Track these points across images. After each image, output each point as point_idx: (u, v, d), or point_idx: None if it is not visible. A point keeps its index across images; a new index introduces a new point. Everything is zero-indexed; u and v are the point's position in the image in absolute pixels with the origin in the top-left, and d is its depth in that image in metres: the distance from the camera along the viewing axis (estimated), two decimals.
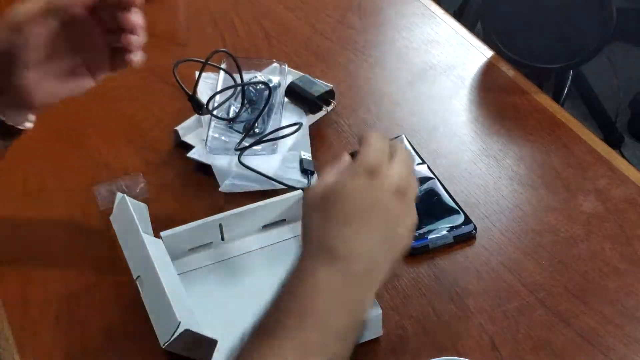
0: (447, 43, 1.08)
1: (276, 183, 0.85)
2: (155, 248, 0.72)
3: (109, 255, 0.79)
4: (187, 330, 0.64)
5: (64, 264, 0.79)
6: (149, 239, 0.72)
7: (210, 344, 0.66)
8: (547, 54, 1.01)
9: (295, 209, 0.81)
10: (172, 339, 0.64)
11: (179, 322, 0.64)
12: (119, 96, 1.01)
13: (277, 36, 1.11)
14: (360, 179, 0.60)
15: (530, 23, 1.00)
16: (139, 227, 0.71)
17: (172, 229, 0.77)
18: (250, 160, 0.87)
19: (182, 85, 0.90)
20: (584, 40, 0.99)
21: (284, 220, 0.81)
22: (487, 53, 1.05)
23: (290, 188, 0.84)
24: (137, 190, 0.86)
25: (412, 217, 0.62)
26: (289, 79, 0.96)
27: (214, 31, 1.13)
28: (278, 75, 0.97)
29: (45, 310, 0.75)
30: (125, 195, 0.74)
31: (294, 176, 0.86)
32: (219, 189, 0.86)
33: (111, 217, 0.74)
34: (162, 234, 0.76)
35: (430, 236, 0.79)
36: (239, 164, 0.86)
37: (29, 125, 0.72)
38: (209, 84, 0.96)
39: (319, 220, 0.60)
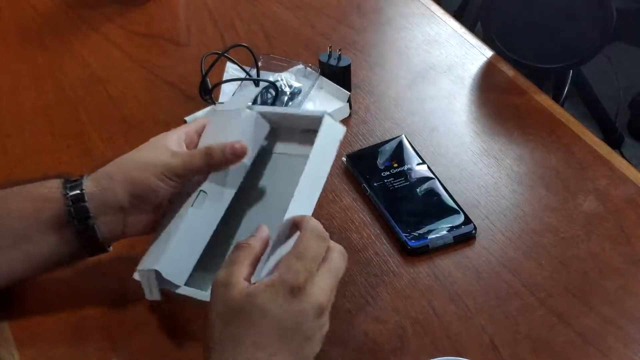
0: (447, 43, 1.08)
1: None
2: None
3: (110, 254, 0.79)
4: (157, 272, 0.68)
5: None
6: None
7: (172, 287, 0.70)
8: (547, 54, 1.01)
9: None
10: (144, 269, 0.69)
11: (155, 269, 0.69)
12: (119, 96, 1.01)
13: (277, 36, 1.11)
14: (280, 298, 0.59)
15: (530, 23, 1.00)
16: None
17: None
18: None
19: (203, 69, 0.91)
20: (584, 40, 0.99)
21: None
22: (487, 53, 1.05)
23: None
24: None
25: (326, 328, 0.62)
26: (314, 83, 0.95)
27: (214, 31, 1.13)
28: (303, 79, 0.96)
29: (45, 310, 0.75)
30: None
31: None
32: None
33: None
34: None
35: (430, 236, 0.79)
36: None
37: (110, 249, 0.75)
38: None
39: (231, 338, 0.59)
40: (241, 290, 0.60)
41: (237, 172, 0.73)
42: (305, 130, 0.73)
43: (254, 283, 0.61)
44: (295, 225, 0.65)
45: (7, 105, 1.01)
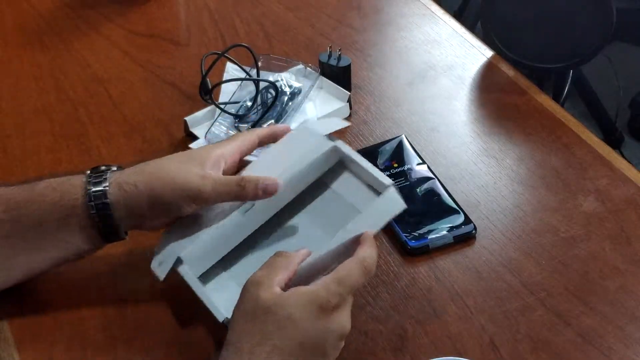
0: (447, 43, 1.08)
1: None
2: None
3: (109, 254, 0.79)
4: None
5: (64, 264, 0.79)
6: None
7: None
8: (547, 54, 1.01)
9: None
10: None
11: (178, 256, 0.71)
12: (119, 96, 1.01)
13: (277, 36, 1.11)
14: (308, 310, 0.60)
15: (530, 23, 1.00)
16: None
17: None
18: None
19: (203, 69, 0.91)
20: (584, 40, 0.99)
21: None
22: (487, 53, 1.05)
23: None
24: None
25: (339, 350, 0.63)
26: (314, 83, 0.95)
27: (214, 31, 1.13)
28: (303, 79, 0.96)
29: (45, 310, 0.75)
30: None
31: None
32: None
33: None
34: None
35: (430, 236, 0.79)
36: None
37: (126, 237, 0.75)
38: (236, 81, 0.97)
39: (252, 337, 0.59)
40: (272, 292, 0.61)
41: (289, 193, 0.74)
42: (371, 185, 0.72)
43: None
44: (357, 240, 0.66)
45: (7, 105, 1.01)
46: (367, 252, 0.64)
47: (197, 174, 0.69)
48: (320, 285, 0.61)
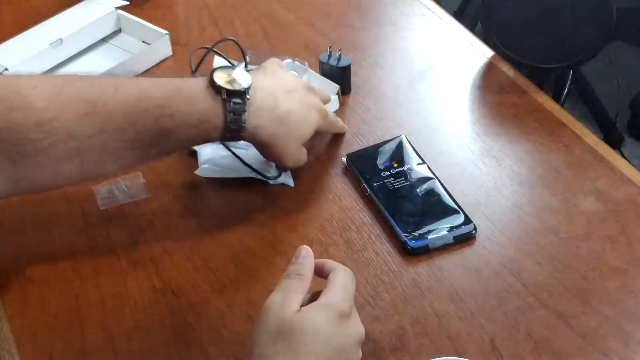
0: (447, 43, 1.08)
1: (251, 170, 0.84)
2: None
3: (109, 255, 0.79)
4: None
5: (64, 264, 0.79)
6: None
7: None
8: (547, 54, 1.01)
9: None
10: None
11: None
12: None
13: (277, 36, 1.11)
14: (330, 320, 0.61)
15: (530, 23, 1.00)
16: None
17: None
18: (235, 151, 0.86)
19: (192, 65, 0.93)
20: (584, 40, 0.99)
21: None
22: (487, 53, 1.05)
23: (265, 177, 0.85)
24: (137, 190, 0.86)
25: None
26: (304, 78, 0.95)
27: (214, 31, 1.13)
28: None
29: (45, 310, 0.75)
30: None
31: (270, 173, 0.86)
32: (194, 172, 0.86)
33: None
34: None
35: (430, 236, 0.79)
36: (220, 153, 0.86)
37: None
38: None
39: (287, 355, 0.59)
40: (295, 311, 0.62)
41: None
42: None
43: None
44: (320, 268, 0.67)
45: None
46: (339, 264, 0.67)
47: (318, 120, 0.84)
48: (331, 296, 0.63)
